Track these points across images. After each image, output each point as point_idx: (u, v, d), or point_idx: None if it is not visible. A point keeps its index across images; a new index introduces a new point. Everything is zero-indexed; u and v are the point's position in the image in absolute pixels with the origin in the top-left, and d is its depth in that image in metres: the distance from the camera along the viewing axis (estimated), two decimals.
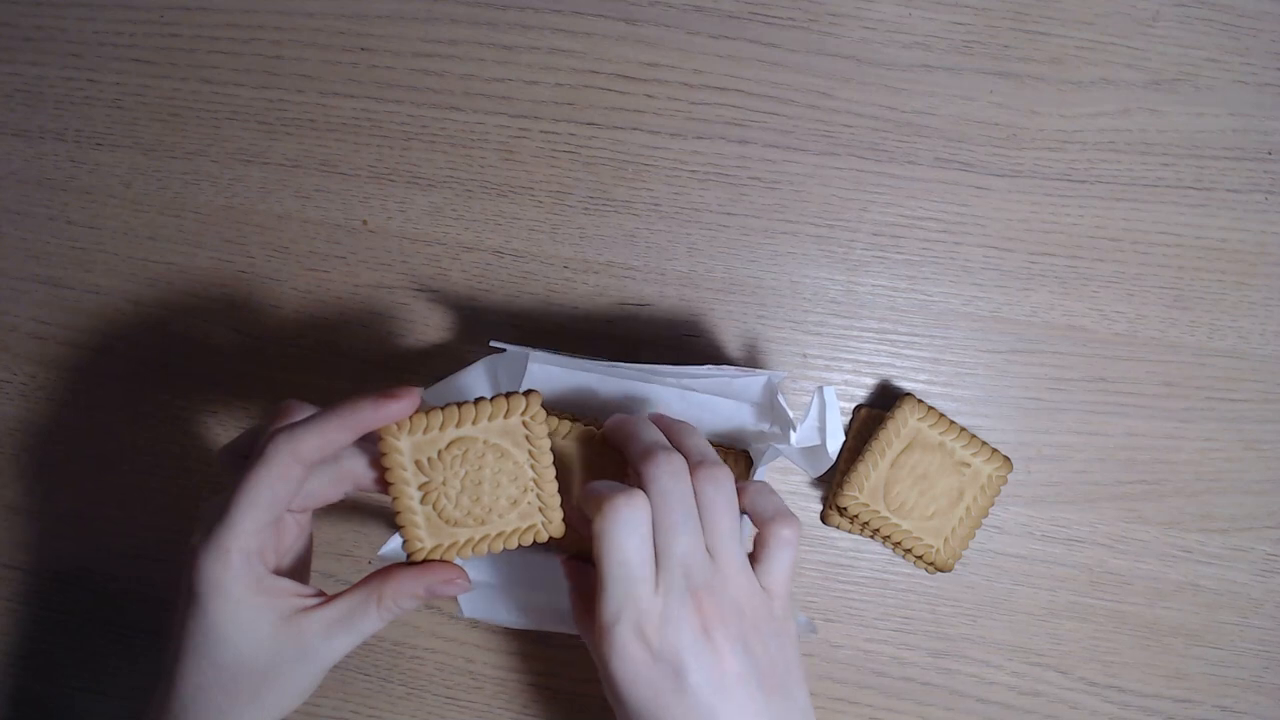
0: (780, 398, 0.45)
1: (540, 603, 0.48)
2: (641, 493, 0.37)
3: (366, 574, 0.39)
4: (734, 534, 0.39)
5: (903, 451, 0.48)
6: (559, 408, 0.49)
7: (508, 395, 0.39)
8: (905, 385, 0.52)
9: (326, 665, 0.38)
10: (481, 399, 0.39)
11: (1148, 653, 0.52)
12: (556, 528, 0.40)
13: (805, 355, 0.52)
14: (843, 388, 0.52)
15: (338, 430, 0.37)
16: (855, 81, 0.52)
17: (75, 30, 0.55)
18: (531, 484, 0.40)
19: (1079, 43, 0.51)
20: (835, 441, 0.45)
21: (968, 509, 0.48)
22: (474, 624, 0.53)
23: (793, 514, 0.40)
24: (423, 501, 0.39)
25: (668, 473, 0.38)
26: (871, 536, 0.50)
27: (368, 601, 0.38)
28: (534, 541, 0.40)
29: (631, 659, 0.36)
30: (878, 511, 0.48)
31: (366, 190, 0.54)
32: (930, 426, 0.48)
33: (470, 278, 0.53)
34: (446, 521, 0.39)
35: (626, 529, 0.36)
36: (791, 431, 0.45)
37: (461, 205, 0.53)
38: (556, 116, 0.53)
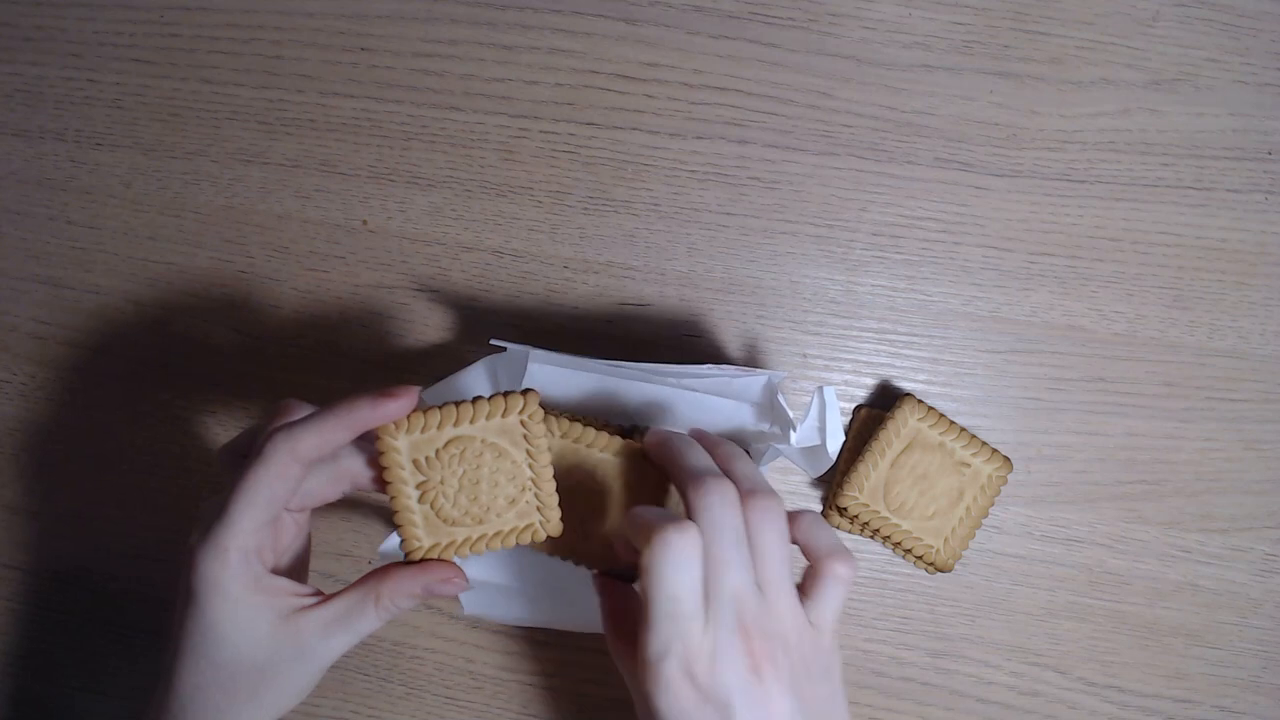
0: (780, 398, 0.45)
1: (541, 600, 0.49)
2: (694, 526, 0.35)
3: (365, 573, 0.40)
4: (785, 568, 0.37)
5: (903, 451, 0.48)
6: (559, 407, 0.49)
7: (505, 394, 0.39)
8: (905, 385, 0.52)
9: (325, 664, 0.38)
10: (479, 398, 0.39)
11: (1147, 653, 0.52)
12: (554, 526, 0.40)
13: (805, 355, 0.52)
14: (843, 388, 0.52)
15: (335, 429, 0.37)
16: (855, 81, 0.52)
17: (75, 30, 0.55)
18: (529, 483, 0.40)
19: (1079, 43, 0.51)
20: (835, 441, 0.45)
21: (968, 509, 0.48)
22: (474, 624, 0.53)
23: (848, 551, 0.38)
24: (420, 500, 0.39)
25: (719, 502, 0.36)
26: (871, 537, 0.50)
27: (365, 601, 0.38)
28: (532, 540, 0.40)
29: (678, 696, 0.35)
30: (878, 512, 0.48)
31: (366, 190, 0.54)
32: (930, 426, 0.48)
33: (470, 278, 0.53)
34: (444, 521, 0.39)
35: (679, 564, 0.34)
36: (791, 431, 0.45)
37: (461, 205, 0.53)
38: (556, 116, 0.53)
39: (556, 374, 0.48)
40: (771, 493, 0.38)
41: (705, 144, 0.52)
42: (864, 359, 0.52)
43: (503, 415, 0.39)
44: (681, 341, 0.53)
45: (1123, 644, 0.52)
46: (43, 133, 0.55)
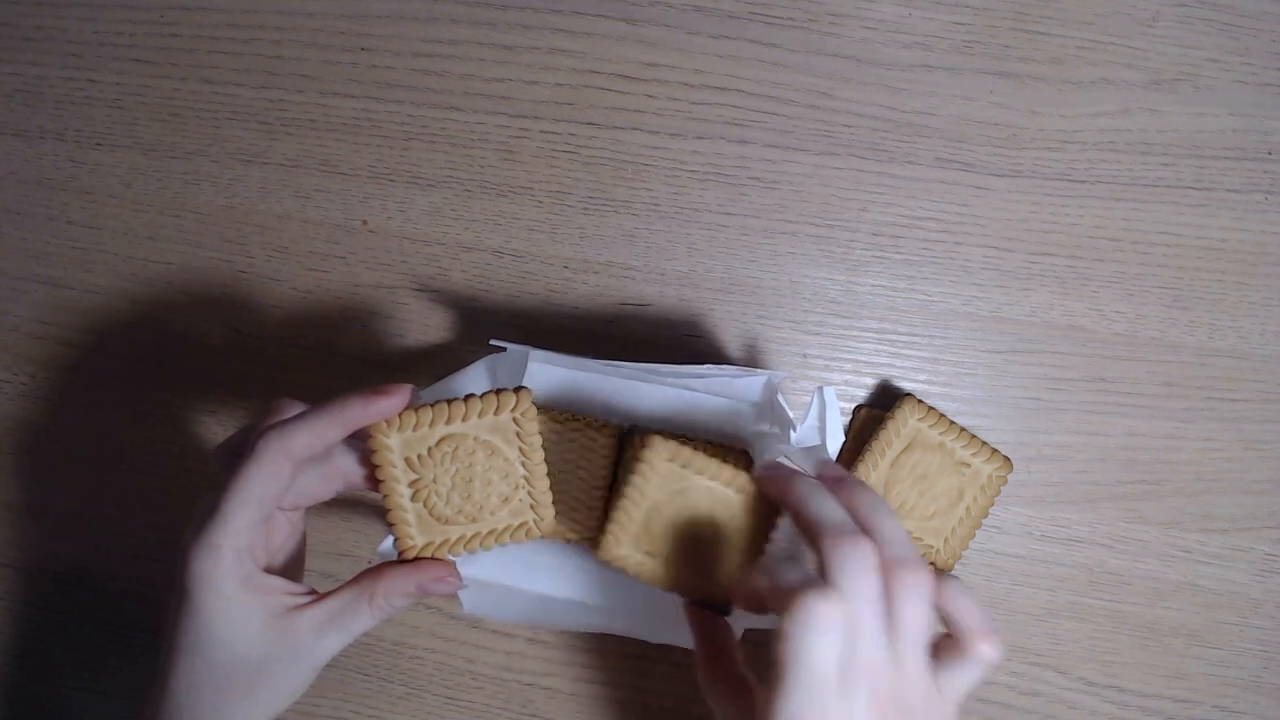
0: (780, 398, 0.45)
1: (542, 598, 0.49)
2: (838, 594, 0.33)
3: (359, 572, 0.40)
4: (925, 641, 0.36)
5: (903, 452, 0.48)
6: (560, 407, 0.49)
7: (498, 392, 0.39)
8: (905, 385, 0.52)
9: (319, 663, 0.38)
10: (471, 396, 0.39)
11: (1147, 653, 0.51)
12: (548, 525, 0.40)
13: (805, 355, 0.52)
14: (843, 388, 0.52)
15: (328, 427, 0.37)
16: (855, 81, 0.52)
17: (75, 30, 0.55)
18: (523, 481, 0.40)
19: (1079, 43, 0.51)
20: (835, 441, 0.45)
21: (968, 509, 0.48)
22: (474, 624, 0.53)
23: (996, 631, 0.37)
24: (413, 499, 0.39)
25: (860, 569, 0.34)
26: None
27: (359, 600, 0.38)
28: (526, 538, 0.40)
29: None
30: None
31: (366, 190, 0.54)
32: (930, 426, 0.48)
33: (470, 278, 0.53)
34: (438, 519, 0.39)
35: (822, 637, 0.33)
36: (791, 431, 0.45)
37: (461, 205, 0.53)
38: (556, 116, 0.53)
39: (556, 374, 0.48)
40: (919, 563, 0.36)
41: (705, 144, 0.52)
42: (864, 359, 0.52)
43: (495, 413, 0.39)
44: (681, 341, 0.53)
45: (1123, 644, 0.52)
46: (43, 133, 0.55)
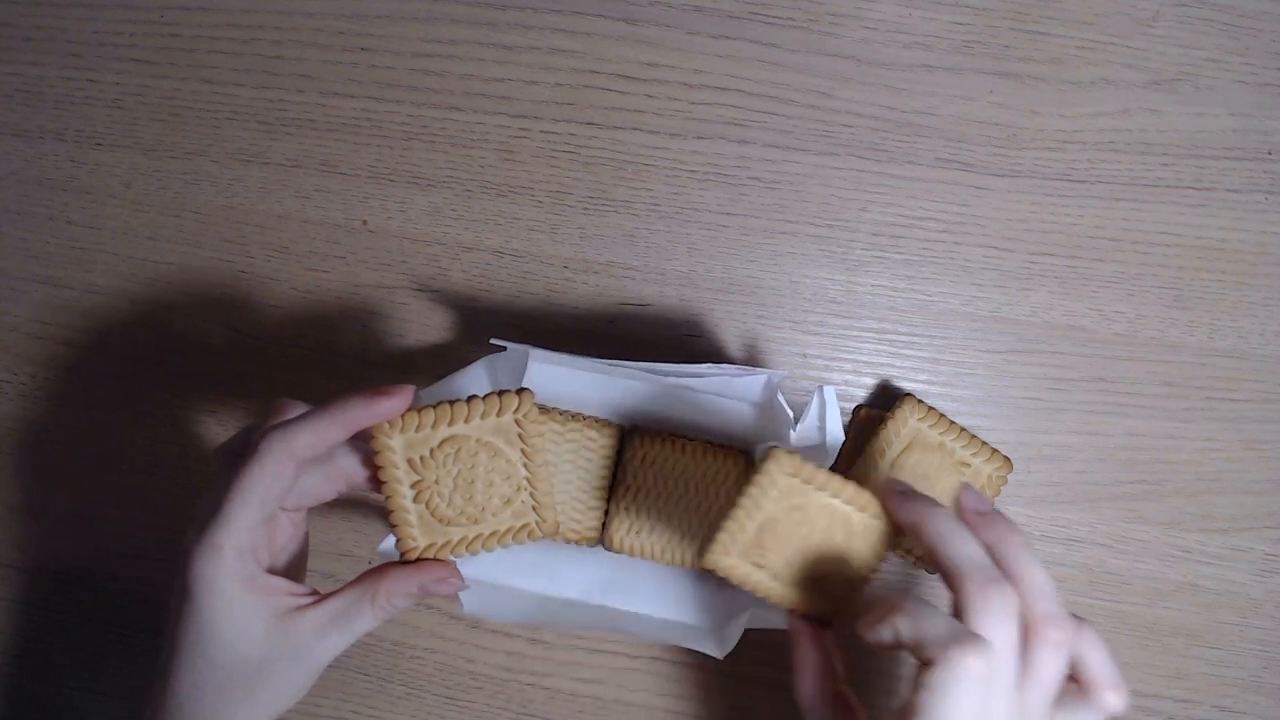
0: (780, 397, 0.45)
1: (542, 598, 0.49)
2: (987, 648, 0.33)
3: (361, 573, 0.40)
4: (1055, 694, 0.35)
5: (903, 451, 0.48)
6: (560, 406, 0.49)
7: (500, 393, 0.39)
8: (905, 385, 0.52)
9: (321, 664, 0.38)
10: (474, 397, 0.39)
11: (1147, 653, 0.51)
12: (550, 526, 0.40)
13: (805, 355, 0.52)
14: (843, 388, 0.52)
15: (330, 428, 0.37)
16: (855, 81, 0.52)
17: (75, 30, 0.55)
18: (525, 482, 0.40)
19: (1079, 43, 0.51)
20: (835, 441, 0.45)
21: None
22: (474, 624, 0.53)
23: (1124, 685, 0.37)
24: (416, 500, 0.39)
25: (1004, 622, 0.34)
26: None
27: (361, 601, 0.38)
28: (528, 540, 0.40)
29: None
30: None
31: (366, 190, 0.54)
32: (930, 426, 0.48)
33: (470, 278, 0.53)
34: (440, 520, 0.39)
35: (968, 691, 0.32)
36: (791, 431, 0.45)
37: (461, 205, 0.53)
38: (556, 116, 0.53)
39: (556, 373, 0.48)
40: (1065, 619, 0.36)
41: (705, 144, 0.52)
42: (864, 359, 0.52)
43: (497, 414, 0.39)
44: (681, 341, 0.53)
45: (1123, 644, 0.52)
46: (43, 133, 0.55)
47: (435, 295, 0.53)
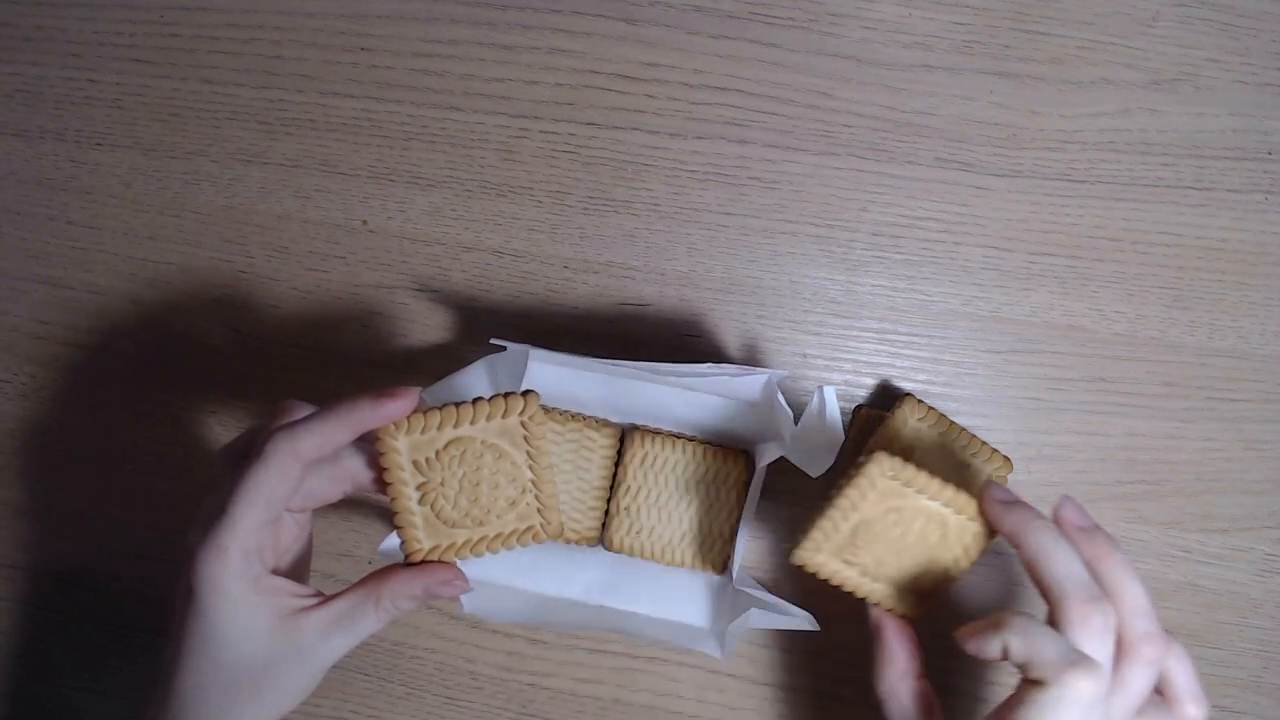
0: (780, 397, 0.45)
1: (542, 598, 0.49)
2: (1099, 672, 0.34)
3: (366, 574, 0.40)
4: (1141, 706, 0.36)
5: (902, 452, 0.48)
6: (560, 406, 0.49)
7: (505, 395, 0.39)
8: (905, 385, 0.52)
9: (325, 665, 0.38)
10: (479, 399, 0.39)
11: None
12: (555, 529, 0.40)
13: (805, 355, 0.52)
14: (843, 388, 0.52)
15: (336, 429, 0.37)
16: (855, 81, 0.52)
17: (75, 30, 0.55)
18: (530, 485, 0.40)
19: (1079, 43, 0.51)
20: (835, 441, 0.45)
21: None
22: (474, 624, 0.53)
23: (1205, 699, 0.38)
24: (421, 502, 0.39)
25: (1104, 637, 0.35)
26: None
27: (366, 602, 0.38)
28: (533, 542, 0.40)
29: None
30: None
31: (366, 190, 0.54)
32: (930, 426, 0.48)
33: (470, 278, 0.53)
34: (444, 522, 0.39)
35: (1076, 710, 0.34)
36: (791, 431, 0.45)
37: (461, 205, 0.53)
38: (556, 116, 0.53)
39: (556, 373, 0.48)
40: (1161, 638, 0.37)
41: (705, 144, 0.52)
42: (864, 359, 0.52)
43: (503, 416, 0.39)
44: (681, 341, 0.53)
45: None
46: (43, 133, 0.55)
47: (435, 295, 0.53)
